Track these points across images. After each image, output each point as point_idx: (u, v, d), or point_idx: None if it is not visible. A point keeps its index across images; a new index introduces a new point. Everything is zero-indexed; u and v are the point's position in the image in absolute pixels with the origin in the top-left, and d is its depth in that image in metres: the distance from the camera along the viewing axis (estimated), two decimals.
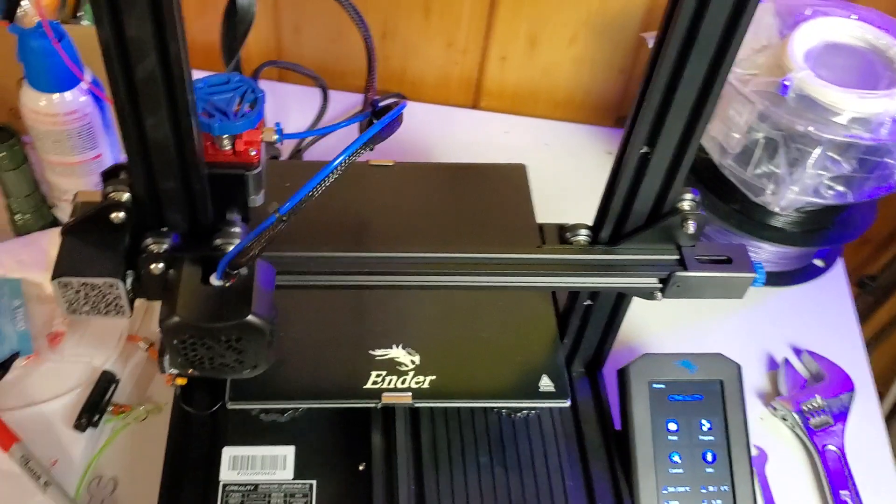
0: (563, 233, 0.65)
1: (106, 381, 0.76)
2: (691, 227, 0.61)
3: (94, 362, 0.78)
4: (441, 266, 0.61)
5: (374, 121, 0.56)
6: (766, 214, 0.87)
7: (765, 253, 0.90)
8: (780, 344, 0.88)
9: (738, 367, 0.74)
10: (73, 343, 0.79)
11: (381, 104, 0.56)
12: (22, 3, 0.82)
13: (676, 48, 0.51)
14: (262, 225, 0.50)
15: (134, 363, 0.79)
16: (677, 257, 0.63)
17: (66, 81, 0.75)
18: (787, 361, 0.86)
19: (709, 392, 0.73)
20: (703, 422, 0.72)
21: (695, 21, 0.50)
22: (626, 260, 0.63)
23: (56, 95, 0.76)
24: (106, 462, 0.73)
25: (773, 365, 0.87)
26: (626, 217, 0.62)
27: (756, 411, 0.84)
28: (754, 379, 0.86)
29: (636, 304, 0.69)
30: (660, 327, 0.88)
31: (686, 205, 0.62)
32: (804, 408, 0.82)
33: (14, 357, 0.76)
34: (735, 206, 0.88)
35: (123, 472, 0.73)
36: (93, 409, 0.75)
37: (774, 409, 0.83)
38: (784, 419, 0.83)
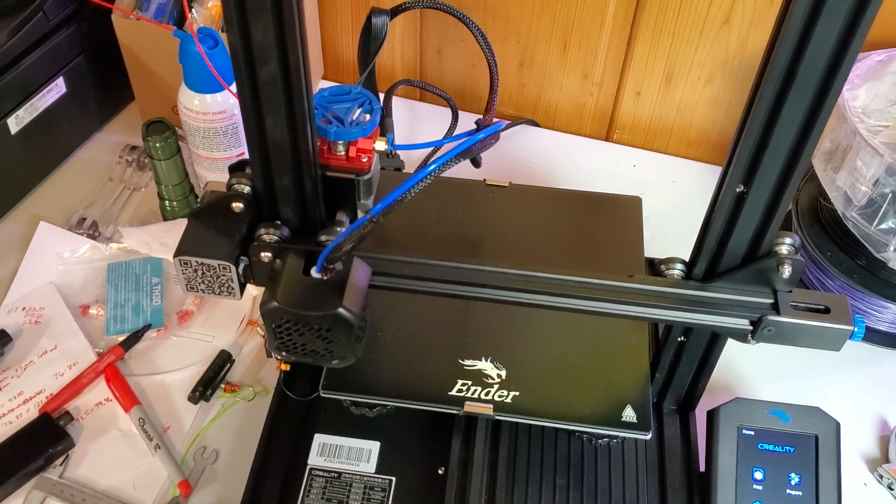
0: (657, 265, 0.66)
1: (222, 360, 0.83)
2: (787, 271, 0.60)
3: (215, 342, 0.85)
4: (527, 283, 0.62)
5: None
6: (894, 273, 0.83)
7: (890, 314, 0.86)
8: None
9: (837, 425, 0.71)
10: (199, 322, 0.86)
11: (484, 124, 0.59)
12: (192, 11, 0.91)
13: (775, 87, 0.51)
14: (354, 224, 0.54)
15: (250, 347, 0.85)
16: (771, 301, 0.62)
17: (218, 84, 0.82)
18: None
19: (802, 445, 0.71)
20: (793, 475, 0.70)
21: (794, 60, 0.50)
22: (716, 298, 0.63)
23: (208, 96, 0.83)
24: (212, 434, 0.79)
25: (885, 430, 0.83)
26: (720, 255, 0.62)
27: (860, 476, 0.80)
28: (862, 443, 0.82)
29: (747, 350, 0.68)
30: (768, 375, 0.86)
31: (784, 249, 0.61)
32: None
33: (146, 328, 0.84)
34: (860, 262, 0.85)
35: (226, 446, 0.78)
36: (207, 385, 0.81)
37: (881, 476, 0.79)
38: (890, 488, 0.79)
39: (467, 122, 1.09)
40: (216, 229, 0.62)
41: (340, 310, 0.57)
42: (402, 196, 0.52)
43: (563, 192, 0.84)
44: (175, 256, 0.61)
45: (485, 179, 0.83)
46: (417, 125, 1.08)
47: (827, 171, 0.82)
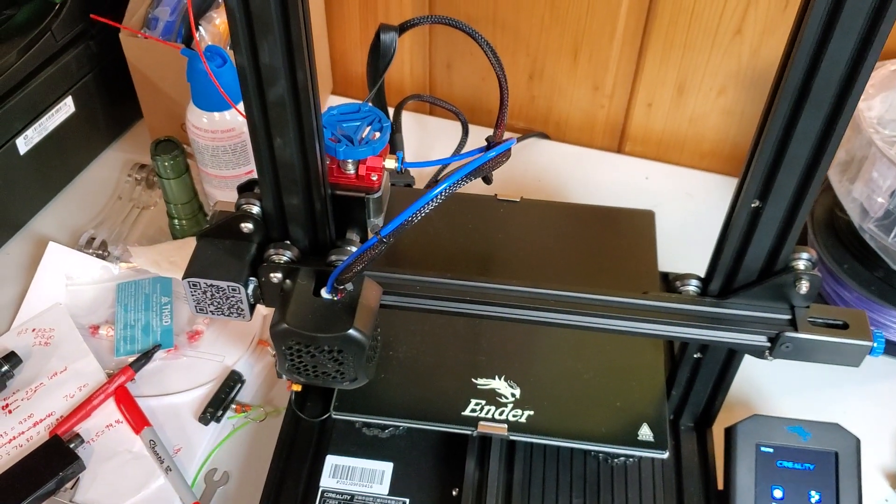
0: (672, 281, 0.65)
1: (233, 380, 0.82)
2: (804, 287, 0.59)
3: (225, 361, 0.84)
4: (539, 301, 0.62)
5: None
6: None
7: None
8: None
9: (857, 441, 0.70)
10: (209, 342, 0.86)
11: (495, 141, 0.58)
12: (200, 30, 0.91)
13: (789, 102, 0.51)
14: (364, 245, 0.53)
15: (261, 366, 0.85)
16: (788, 317, 0.61)
17: (226, 102, 0.82)
18: None
19: (821, 462, 0.70)
20: (813, 493, 0.69)
21: (808, 75, 0.49)
22: (733, 314, 0.62)
23: (216, 114, 0.83)
24: (223, 455, 0.78)
25: None
26: (736, 271, 0.61)
27: (882, 492, 0.79)
28: (883, 458, 0.80)
29: (766, 365, 0.66)
30: (786, 391, 0.84)
31: (801, 264, 0.60)
32: None
33: (156, 349, 0.84)
34: (877, 274, 0.84)
35: (237, 467, 0.77)
36: (218, 405, 0.80)
37: None
38: None
39: (478, 135, 1.08)
40: (225, 250, 0.62)
41: (351, 331, 0.56)
42: (413, 216, 0.51)
43: (575, 206, 0.83)
44: (184, 278, 0.61)
45: (496, 194, 0.82)
46: (428, 140, 1.08)
47: (842, 183, 0.81)
